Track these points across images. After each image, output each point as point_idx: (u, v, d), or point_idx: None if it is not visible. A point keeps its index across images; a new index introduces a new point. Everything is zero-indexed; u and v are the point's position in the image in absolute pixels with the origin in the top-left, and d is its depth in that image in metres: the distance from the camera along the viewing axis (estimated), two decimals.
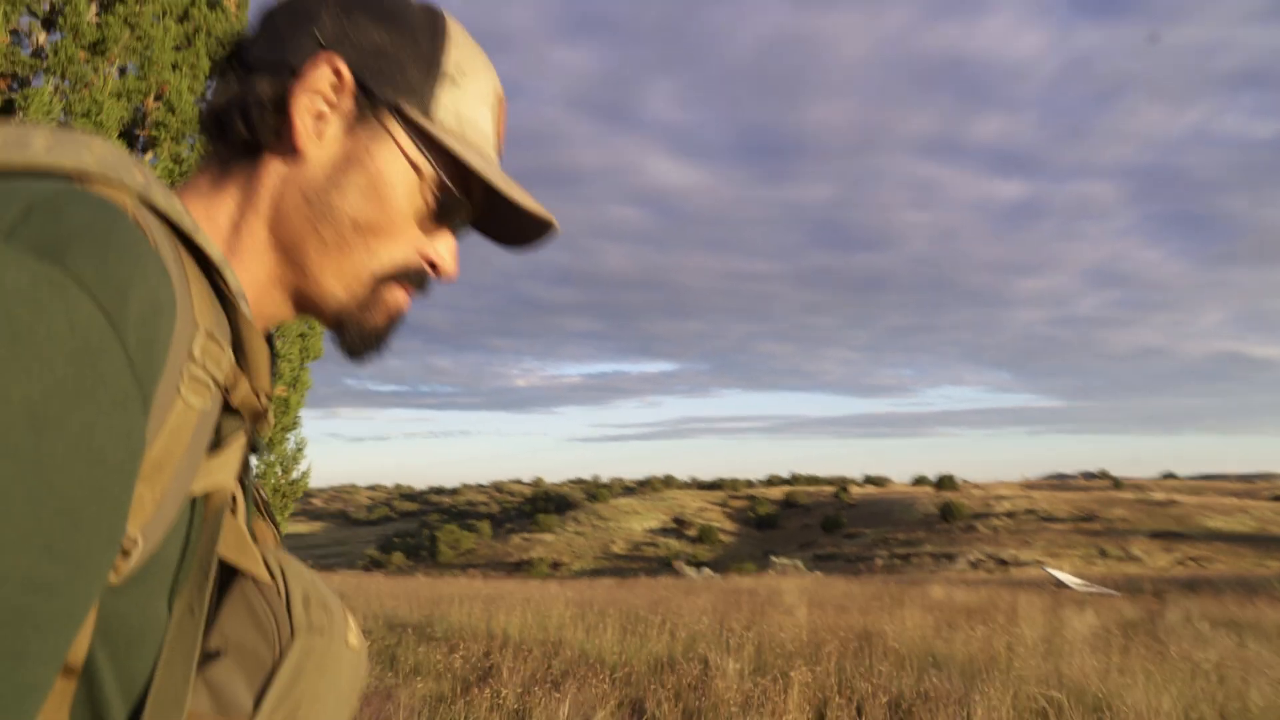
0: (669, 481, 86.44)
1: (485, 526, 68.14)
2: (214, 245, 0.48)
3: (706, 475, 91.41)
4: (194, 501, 0.47)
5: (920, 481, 79.47)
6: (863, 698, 4.20)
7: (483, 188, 0.59)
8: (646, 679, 4.93)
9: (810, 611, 8.24)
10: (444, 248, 0.60)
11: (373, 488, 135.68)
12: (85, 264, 0.37)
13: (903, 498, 69.33)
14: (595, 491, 79.87)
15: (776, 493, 79.53)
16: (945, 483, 72.21)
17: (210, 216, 0.55)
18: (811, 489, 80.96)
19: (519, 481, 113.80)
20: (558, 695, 4.37)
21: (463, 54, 0.59)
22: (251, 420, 0.50)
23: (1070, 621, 8.18)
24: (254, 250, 0.56)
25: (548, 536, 63.48)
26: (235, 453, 0.49)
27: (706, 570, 30.43)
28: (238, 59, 0.57)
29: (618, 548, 60.42)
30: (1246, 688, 4.49)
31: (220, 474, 0.48)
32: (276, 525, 0.61)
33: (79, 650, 0.40)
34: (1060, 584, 14.60)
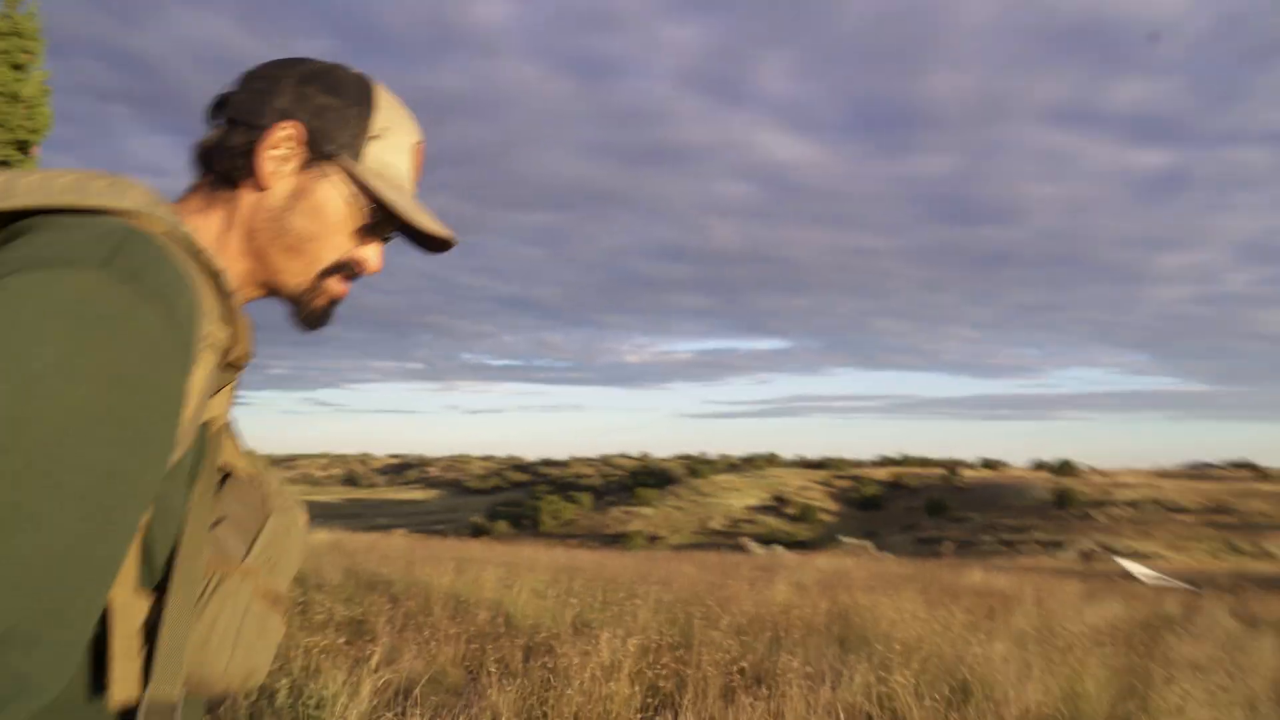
0: (772, 460, 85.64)
1: (587, 498, 69.32)
2: (215, 257, 0.77)
3: (816, 454, 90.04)
4: (204, 425, 0.74)
5: (1039, 467, 75.89)
6: (697, 665, 3.98)
7: (389, 210, 0.86)
8: (504, 639, 4.86)
9: (794, 590, 7.95)
10: (370, 251, 0.88)
11: (486, 458, 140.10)
12: (153, 282, 0.62)
13: (1016, 482, 66.42)
14: (696, 467, 79.89)
15: (883, 473, 77.56)
16: (1064, 468, 68.70)
17: (203, 229, 0.83)
18: (920, 470, 78.54)
19: (626, 455, 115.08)
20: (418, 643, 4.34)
21: (386, 116, 0.86)
22: (237, 372, 0.78)
23: (1082, 614, 7.61)
24: (234, 254, 0.83)
25: (647, 510, 64.03)
26: (227, 394, 0.78)
27: (778, 548, 29.97)
28: (220, 109, 0.84)
29: (716, 523, 60.38)
30: (1150, 684, 4.04)
31: (218, 408, 0.76)
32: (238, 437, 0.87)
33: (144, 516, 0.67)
34: (1128, 575, 13.63)
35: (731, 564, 13.75)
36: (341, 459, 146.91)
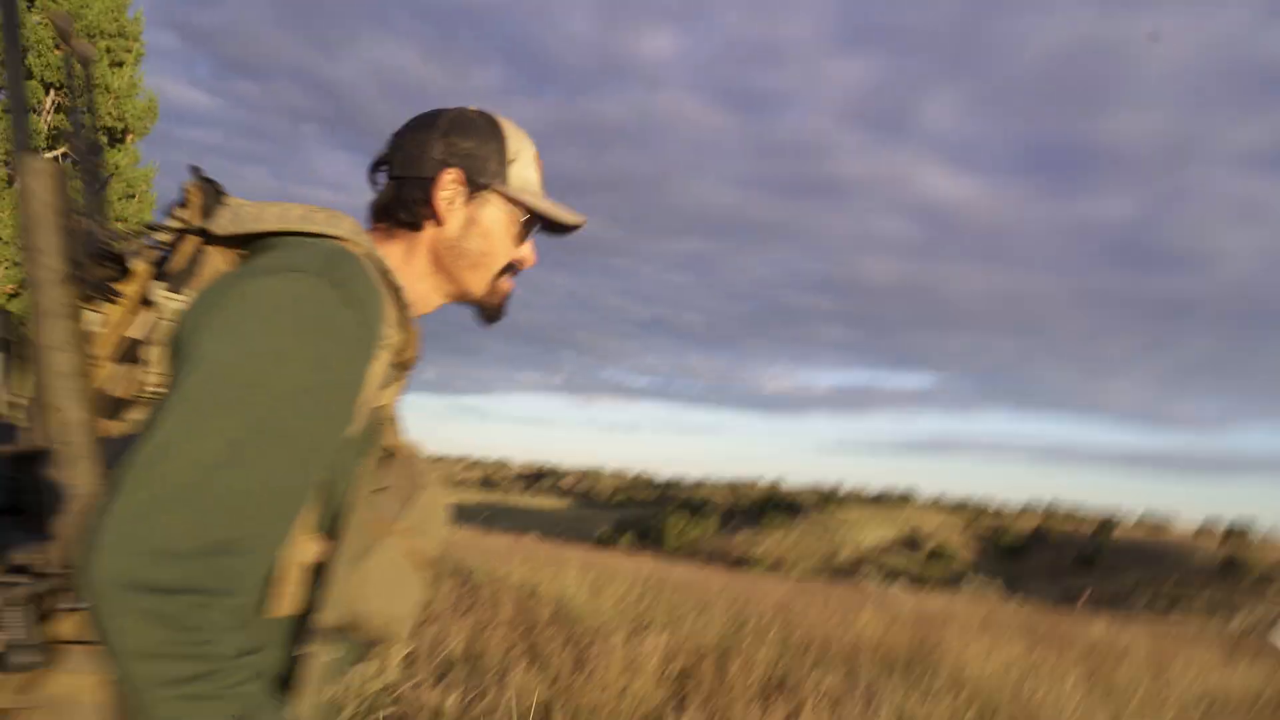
0: (907, 497, 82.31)
1: (713, 520, 68.86)
2: (398, 276, 0.96)
3: (960, 496, 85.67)
4: (376, 410, 0.92)
5: (1206, 528, 69.59)
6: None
7: (540, 215, 1.10)
8: (551, 629, 4.81)
9: (883, 620, 7.55)
10: (527, 250, 1.11)
11: (616, 473, 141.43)
12: (351, 290, 0.84)
13: (1178, 543, 61.17)
14: (827, 499, 77.93)
15: (1029, 521, 73.18)
16: (1236, 532, 62.69)
17: (389, 254, 1.06)
18: (1070, 522, 73.60)
19: (756, 482, 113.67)
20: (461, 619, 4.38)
21: (514, 141, 1.08)
22: (406, 371, 0.96)
23: (1207, 678, 6.89)
24: (416, 275, 1.07)
25: (773, 537, 62.92)
26: (396, 387, 0.95)
27: (896, 586, 28.57)
28: (380, 169, 1.08)
29: (842, 557, 58.64)
30: None
31: (389, 396, 0.94)
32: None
33: (324, 473, 0.85)
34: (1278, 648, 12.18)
35: (839, 594, 13.25)
36: (480, 463, 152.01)
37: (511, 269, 1.10)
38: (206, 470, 0.74)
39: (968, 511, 77.89)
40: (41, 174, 0.82)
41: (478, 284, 1.08)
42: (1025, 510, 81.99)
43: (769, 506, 75.52)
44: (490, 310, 1.11)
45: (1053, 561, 60.43)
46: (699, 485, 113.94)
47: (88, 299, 0.87)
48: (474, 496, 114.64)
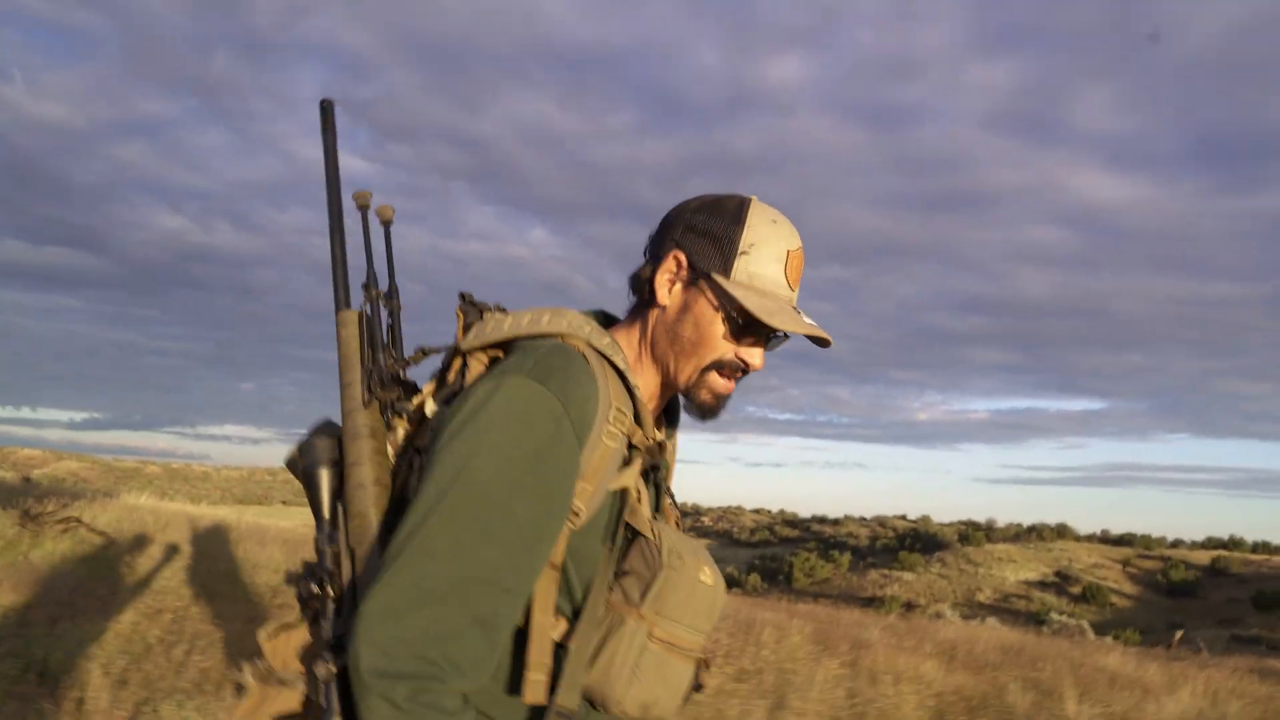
0: (1062, 531, 76.54)
1: (845, 558, 66.47)
2: (622, 361, 1.03)
3: (1127, 530, 78.90)
4: (616, 494, 1.00)
5: None
6: None
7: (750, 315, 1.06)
8: None
9: (941, 660, 6.82)
10: (752, 351, 1.09)
11: (757, 510, 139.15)
12: (555, 385, 0.92)
13: None
14: (969, 533, 73.71)
15: (1203, 556, 66.63)
16: None
17: (629, 343, 1.11)
18: (1255, 556, 66.46)
19: (904, 518, 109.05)
20: None
21: (756, 233, 1.06)
22: (646, 452, 1.04)
23: None
24: (647, 360, 1.10)
25: (908, 575, 60.08)
26: (635, 467, 1.01)
27: (1060, 622, 26.51)
28: (647, 249, 1.13)
29: (983, 596, 55.21)
30: None
31: (626, 479, 1.00)
32: (678, 507, 1.17)
33: (558, 558, 0.95)
34: None
35: (952, 631, 12.23)
36: None
37: (728, 368, 1.08)
38: (433, 567, 0.86)
39: (1130, 547, 71.74)
40: (349, 323, 1.06)
41: (683, 373, 1.08)
42: (1203, 545, 74.68)
43: (904, 544, 72.21)
44: (700, 406, 1.11)
45: (1230, 600, 54.70)
46: (841, 522, 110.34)
47: (387, 419, 1.05)
48: None
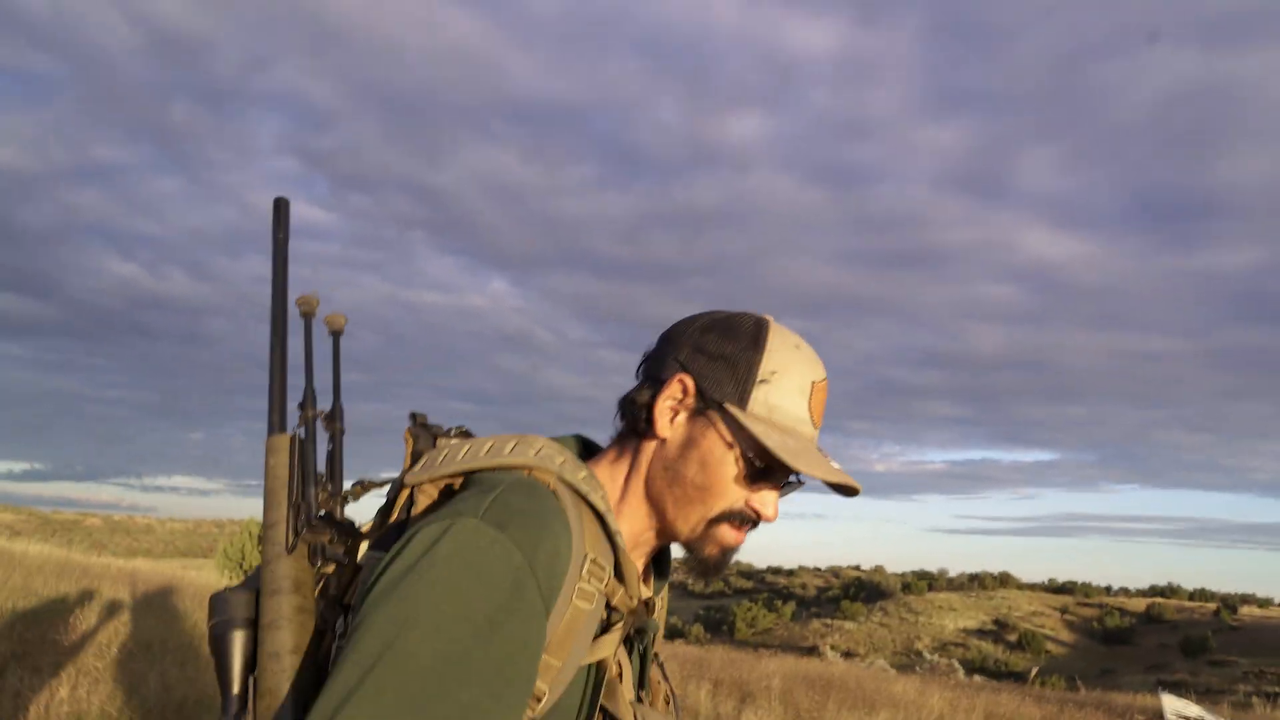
0: (1004, 580, 77.53)
1: (788, 608, 66.68)
2: (601, 501, 0.82)
3: (1068, 578, 79.98)
4: (589, 668, 0.79)
5: None
6: None
7: (771, 455, 0.86)
8: None
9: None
10: (765, 499, 0.89)
11: None
12: (516, 531, 0.72)
13: None
14: (912, 583, 74.37)
15: (1139, 604, 67.81)
16: None
17: (613, 478, 0.91)
18: (1188, 604, 67.76)
19: (858, 568, 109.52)
20: None
21: (777, 359, 0.88)
22: (629, 614, 0.82)
23: None
24: (636, 500, 0.90)
25: (849, 624, 60.41)
26: (615, 635, 0.81)
27: (946, 665, 26.99)
28: (641, 369, 0.94)
29: (922, 644, 55.59)
30: None
31: (603, 650, 0.80)
32: (671, 686, 0.97)
33: None
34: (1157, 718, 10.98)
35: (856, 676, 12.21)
36: None
37: (738, 518, 0.89)
38: None
39: (1072, 595, 72.82)
40: (278, 450, 0.86)
41: (686, 522, 0.89)
42: (1145, 593, 76.00)
43: (847, 593, 72.65)
44: (703, 562, 0.90)
45: (1161, 646, 55.67)
46: (796, 573, 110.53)
47: (318, 567, 0.84)
48: None
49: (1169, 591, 75.02)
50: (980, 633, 59.41)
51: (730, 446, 0.87)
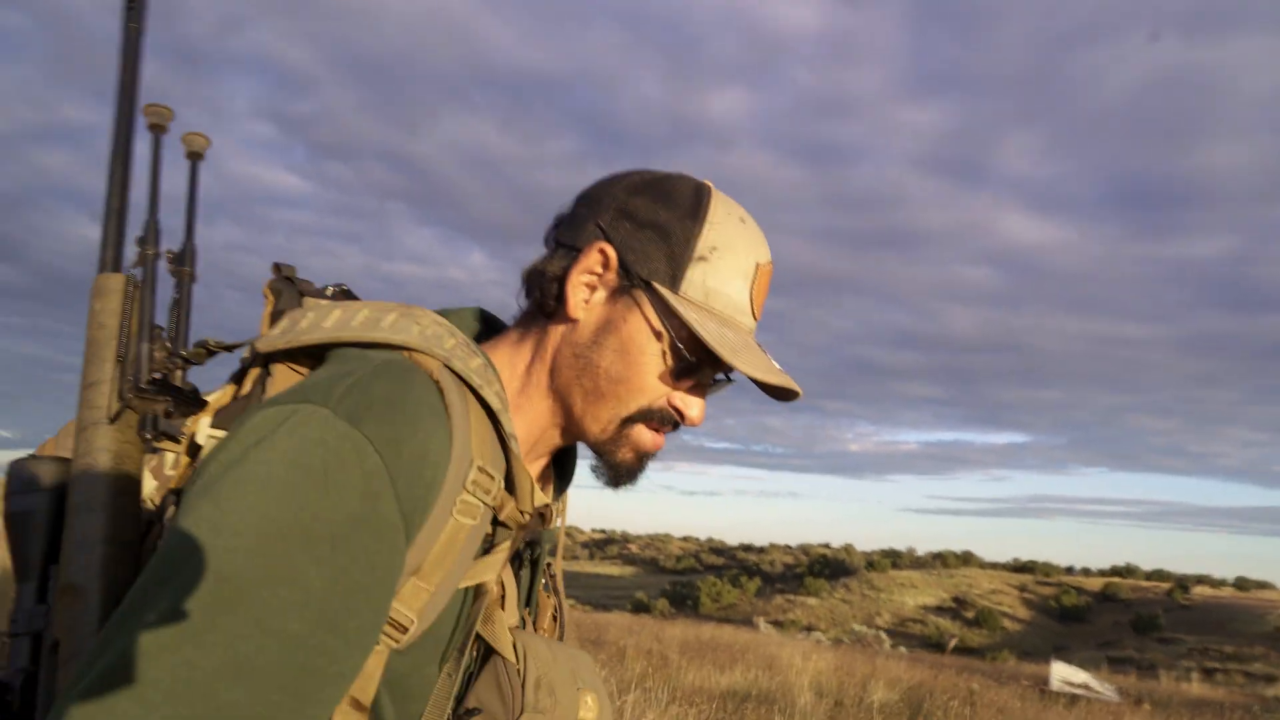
0: (967, 559, 78.95)
1: (752, 584, 67.62)
2: (496, 397, 0.68)
3: (1056, 559, 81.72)
4: (466, 591, 0.66)
5: None
6: None
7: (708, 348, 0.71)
8: None
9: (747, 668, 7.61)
10: (690, 399, 0.76)
11: (686, 538, 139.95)
12: (374, 427, 0.59)
13: (1258, 605, 57.02)
14: (876, 560, 75.62)
15: (1095, 583, 69.36)
16: None
17: (512, 365, 0.77)
18: (1144, 584, 69.38)
19: (827, 546, 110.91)
20: None
21: (719, 233, 0.73)
22: (519, 529, 0.69)
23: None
24: (538, 393, 0.76)
25: (811, 600, 61.40)
26: (500, 554, 0.68)
27: (900, 647, 27.69)
28: (553, 235, 0.78)
29: (882, 620, 56.64)
30: None
31: (486, 572, 0.67)
32: (561, 601, 0.83)
33: (368, 693, 0.61)
34: (1044, 685, 11.47)
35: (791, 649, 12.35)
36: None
37: (658, 418, 0.76)
38: (136, 709, 0.50)
39: (1029, 574, 74.33)
40: (108, 293, 0.70)
41: (596, 420, 0.76)
42: (1102, 574, 77.69)
43: (812, 570, 73.75)
44: (615, 468, 0.78)
45: (1114, 624, 57.09)
46: (766, 550, 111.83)
47: (149, 442, 0.70)
48: None
49: (1126, 572, 76.74)
50: (939, 609, 60.58)
51: (656, 334, 0.74)
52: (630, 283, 0.74)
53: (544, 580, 0.83)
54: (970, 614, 58.67)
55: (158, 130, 0.77)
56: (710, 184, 0.77)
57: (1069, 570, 78.37)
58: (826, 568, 74.07)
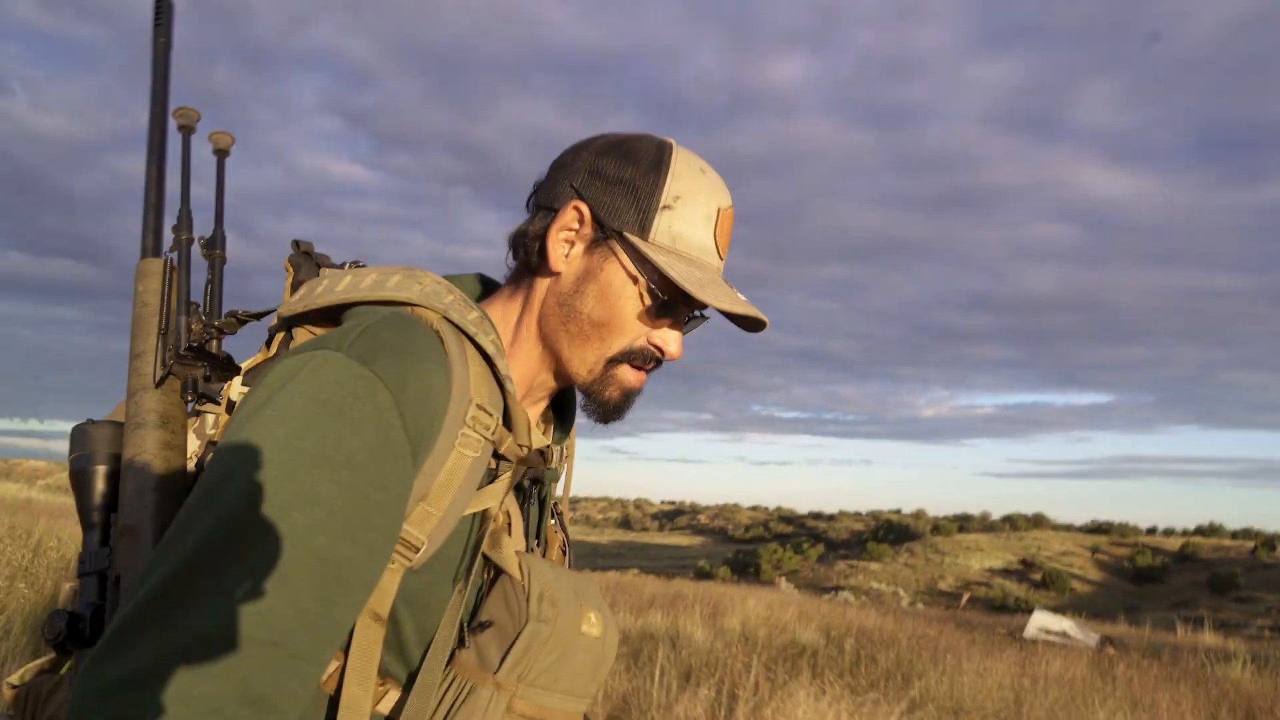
0: (1038, 521, 76.94)
1: (814, 550, 67.37)
2: (491, 344, 0.78)
3: (1144, 520, 79.27)
4: (474, 518, 0.77)
5: None
6: None
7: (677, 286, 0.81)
8: None
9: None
10: (667, 336, 0.85)
11: (754, 508, 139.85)
12: (383, 366, 0.69)
13: None
14: (940, 525, 74.33)
15: (1174, 543, 66.98)
16: None
17: (505, 318, 0.87)
18: (1228, 543, 66.70)
19: (898, 512, 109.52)
20: None
21: (682, 183, 0.83)
22: (519, 462, 0.80)
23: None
24: (529, 341, 0.86)
25: (874, 565, 60.82)
26: (501, 485, 0.78)
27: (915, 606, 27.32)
28: (532, 199, 0.88)
29: (946, 584, 55.81)
30: None
31: (488, 500, 0.77)
32: (566, 532, 0.94)
33: (385, 606, 0.72)
34: (1024, 632, 11.22)
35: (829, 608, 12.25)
36: (620, 503, 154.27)
37: (639, 357, 0.84)
38: (186, 619, 0.59)
39: (1104, 535, 72.14)
40: (150, 275, 0.82)
41: (583, 363, 0.84)
42: (1187, 534, 74.97)
43: (876, 535, 72.96)
44: (602, 405, 0.86)
45: (1191, 584, 55.14)
46: (836, 518, 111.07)
47: (190, 403, 0.82)
48: (607, 536, 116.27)
49: (1210, 531, 73.83)
50: (1006, 572, 59.31)
51: (631, 278, 0.82)
52: (604, 235, 0.82)
53: (551, 516, 0.92)
54: (1038, 576, 57.31)
55: (186, 131, 0.88)
56: (672, 140, 0.86)
57: (1150, 531, 75.73)
58: (891, 533, 73.24)
